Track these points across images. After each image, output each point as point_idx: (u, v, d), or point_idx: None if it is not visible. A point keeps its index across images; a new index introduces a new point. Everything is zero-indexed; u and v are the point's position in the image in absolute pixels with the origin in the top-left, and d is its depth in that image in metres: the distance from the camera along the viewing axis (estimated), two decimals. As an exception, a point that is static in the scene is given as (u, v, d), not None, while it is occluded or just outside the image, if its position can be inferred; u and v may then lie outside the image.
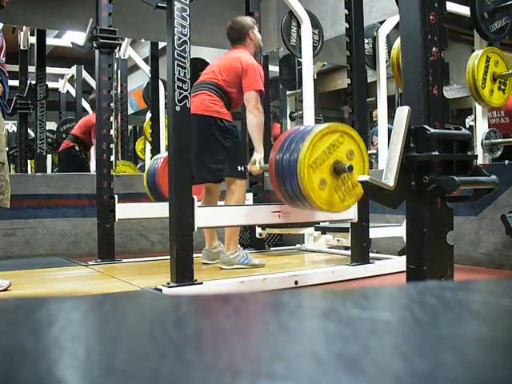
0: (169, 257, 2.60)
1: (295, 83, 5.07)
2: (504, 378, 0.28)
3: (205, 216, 2.72)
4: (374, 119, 4.76)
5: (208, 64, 5.05)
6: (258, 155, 3.16)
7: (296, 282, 2.84)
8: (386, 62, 4.30)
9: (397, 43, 3.72)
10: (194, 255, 2.62)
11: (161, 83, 5.49)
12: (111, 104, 3.80)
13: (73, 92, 6.76)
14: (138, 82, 6.54)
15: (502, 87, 3.49)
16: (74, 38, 4.83)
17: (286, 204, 2.68)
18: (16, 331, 0.36)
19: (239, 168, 3.18)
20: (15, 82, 5.62)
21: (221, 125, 3.12)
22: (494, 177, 1.83)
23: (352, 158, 2.44)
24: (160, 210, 3.44)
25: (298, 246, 4.27)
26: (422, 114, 1.79)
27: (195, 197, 2.63)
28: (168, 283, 2.55)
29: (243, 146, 3.71)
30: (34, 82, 5.39)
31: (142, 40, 5.80)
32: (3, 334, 0.36)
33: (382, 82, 4.26)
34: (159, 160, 3.98)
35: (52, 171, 5.99)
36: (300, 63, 4.17)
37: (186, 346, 0.33)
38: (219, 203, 3.47)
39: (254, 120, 3.11)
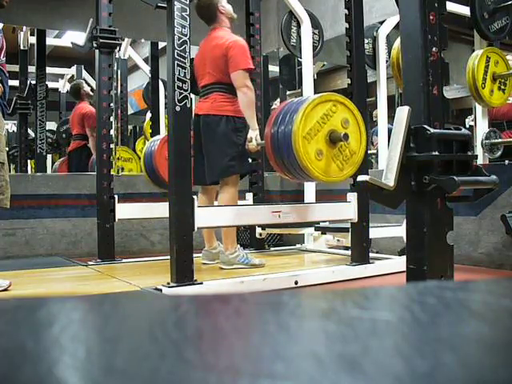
0: (169, 257, 2.60)
1: (295, 83, 5.07)
2: (504, 378, 0.28)
3: (205, 216, 2.71)
4: (374, 119, 4.76)
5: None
6: (254, 132, 3.13)
7: (296, 282, 2.84)
8: (386, 62, 4.31)
9: (397, 43, 3.72)
10: (194, 255, 2.62)
11: (161, 83, 5.49)
12: (111, 104, 3.80)
13: (73, 92, 6.76)
14: (138, 82, 6.54)
15: (502, 87, 3.50)
16: (74, 38, 4.83)
17: (285, 177, 2.66)
18: (16, 331, 0.36)
19: (250, 163, 3.23)
20: (15, 82, 5.62)
21: (233, 123, 3.13)
22: (494, 177, 1.83)
23: (347, 127, 2.42)
24: (160, 209, 3.44)
25: (298, 246, 4.27)
26: (422, 114, 1.79)
27: (195, 197, 2.64)
28: (168, 283, 2.55)
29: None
30: (34, 82, 5.39)
31: (142, 40, 5.80)
32: (3, 334, 0.36)
33: (382, 82, 4.26)
34: (156, 142, 3.94)
35: (52, 171, 5.99)
36: (300, 63, 4.17)
37: (186, 346, 0.33)
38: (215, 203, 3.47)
39: (244, 98, 3.07)
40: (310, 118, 2.32)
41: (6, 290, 2.56)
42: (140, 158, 6.81)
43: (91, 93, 5.41)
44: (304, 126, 2.30)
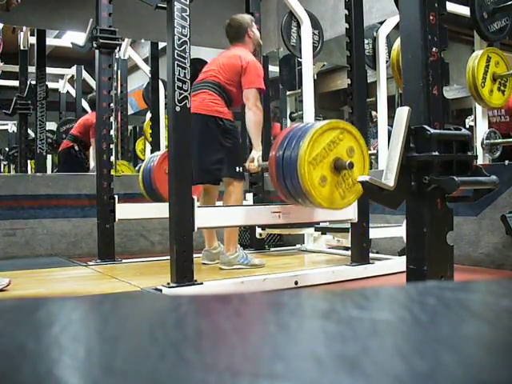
0: (169, 257, 2.60)
1: (295, 83, 5.07)
2: (504, 378, 0.28)
3: (205, 216, 2.71)
4: (374, 119, 4.76)
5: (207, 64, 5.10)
6: (257, 153, 3.15)
7: (296, 283, 2.84)
8: (386, 62, 4.30)
9: (397, 43, 3.72)
10: (194, 255, 2.61)
11: (161, 83, 5.49)
12: (111, 104, 3.80)
13: (73, 92, 6.76)
14: (138, 82, 6.54)
15: (502, 88, 3.50)
16: (73, 38, 4.84)
17: (286, 201, 2.68)
18: (16, 331, 0.36)
19: (237, 169, 3.17)
20: (15, 82, 5.62)
21: (221, 124, 3.11)
22: (493, 177, 1.83)
23: (352, 155, 2.44)
24: (160, 210, 3.44)
25: (298, 246, 4.27)
26: (422, 114, 1.79)
27: (195, 197, 2.64)
28: (168, 283, 2.55)
29: (243, 147, 3.71)
30: (34, 82, 5.39)
31: (142, 40, 5.80)
32: (3, 333, 0.36)
33: (382, 82, 4.26)
34: (154, 159, 3.95)
35: (52, 171, 5.99)
36: (300, 63, 4.17)
37: (186, 345, 0.33)
38: (217, 204, 3.47)
39: (253, 118, 3.10)
40: (317, 144, 2.35)
41: (5, 288, 2.56)
42: (139, 159, 6.85)
43: None
44: (311, 151, 2.33)
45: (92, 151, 5.35)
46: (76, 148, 5.67)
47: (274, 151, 2.51)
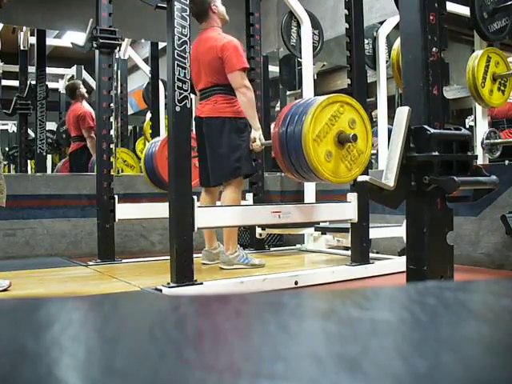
0: (169, 257, 2.60)
1: (295, 83, 5.07)
2: (504, 378, 0.28)
3: (205, 216, 2.71)
4: (374, 119, 4.76)
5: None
6: (257, 132, 3.14)
7: (296, 283, 2.84)
8: (386, 62, 4.30)
9: (397, 43, 3.72)
10: (194, 255, 2.62)
11: (161, 83, 5.49)
12: (111, 104, 3.80)
13: (73, 92, 6.76)
14: (138, 82, 6.54)
15: (502, 88, 3.50)
16: (73, 38, 4.84)
17: (292, 177, 2.68)
18: (16, 331, 0.36)
19: (253, 163, 3.21)
20: (15, 82, 5.62)
21: (234, 125, 3.13)
22: (493, 177, 1.83)
23: (354, 127, 2.44)
24: (160, 209, 3.44)
25: (298, 246, 4.27)
26: (422, 114, 1.79)
27: (195, 197, 2.64)
28: (168, 283, 2.55)
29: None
30: (34, 82, 5.39)
31: (142, 40, 5.80)
32: (3, 334, 0.36)
33: (382, 82, 4.26)
34: (156, 143, 3.94)
35: (52, 171, 5.99)
36: (300, 63, 4.17)
37: (186, 345, 0.33)
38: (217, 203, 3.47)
39: (244, 98, 3.07)
40: (319, 121, 2.35)
41: (6, 289, 2.57)
42: (140, 159, 6.85)
43: (86, 95, 5.39)
44: (314, 128, 2.33)
45: (89, 142, 5.21)
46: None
47: (276, 128, 2.51)
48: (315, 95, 4.00)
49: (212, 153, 3.16)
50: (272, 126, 4.97)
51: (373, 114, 4.90)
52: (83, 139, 5.34)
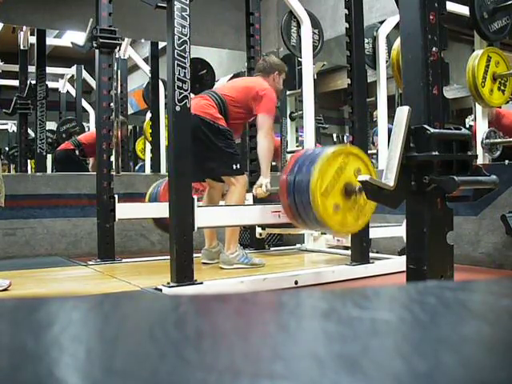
0: (169, 257, 2.60)
1: (295, 83, 5.07)
2: (504, 378, 0.28)
3: (205, 216, 2.71)
4: (374, 119, 4.76)
5: (207, 64, 5.11)
6: (265, 179, 3.21)
7: (296, 282, 2.84)
8: (386, 62, 4.30)
9: (397, 43, 3.72)
10: (194, 255, 2.62)
11: (161, 83, 5.49)
12: (111, 104, 3.80)
13: (73, 92, 6.77)
14: (138, 81, 6.54)
15: (502, 88, 3.50)
16: (73, 38, 4.84)
17: (298, 227, 2.74)
18: (16, 331, 0.36)
19: (234, 167, 3.18)
20: (15, 82, 5.62)
21: (213, 125, 3.12)
22: (493, 177, 1.83)
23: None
24: (160, 210, 3.44)
25: (298, 245, 4.27)
26: (422, 114, 1.79)
27: (195, 197, 2.64)
28: (168, 283, 2.55)
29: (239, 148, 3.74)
30: (34, 82, 5.39)
31: (142, 40, 5.80)
32: (3, 333, 0.36)
33: (382, 82, 4.26)
34: (161, 185, 3.97)
35: (52, 171, 6.00)
36: (300, 63, 4.17)
37: (186, 345, 0.33)
38: (221, 202, 3.48)
39: (267, 145, 3.15)
40: (326, 175, 2.39)
41: (5, 289, 2.57)
42: (140, 159, 6.86)
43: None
44: (321, 183, 2.36)
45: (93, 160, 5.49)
46: (76, 152, 5.73)
47: (285, 175, 2.55)
48: (315, 95, 4.01)
49: (201, 151, 3.18)
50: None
51: (373, 113, 4.91)
52: (79, 147, 5.73)
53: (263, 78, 3.37)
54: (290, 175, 2.50)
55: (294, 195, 2.48)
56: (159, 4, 2.70)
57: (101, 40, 3.58)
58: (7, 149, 7.41)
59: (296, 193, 2.46)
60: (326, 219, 2.38)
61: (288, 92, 5.31)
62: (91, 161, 5.86)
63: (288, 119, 5.31)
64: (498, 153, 3.60)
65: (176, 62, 2.55)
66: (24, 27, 5.34)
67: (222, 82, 3.43)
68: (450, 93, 5.19)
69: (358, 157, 2.49)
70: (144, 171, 6.22)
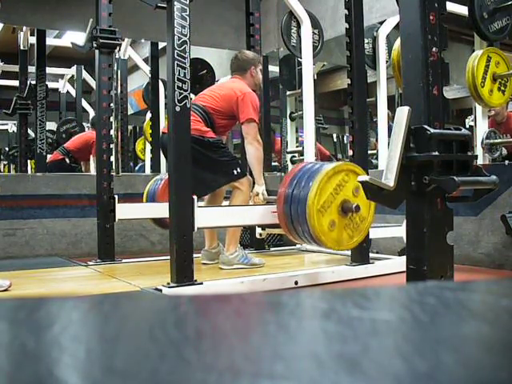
0: (169, 257, 2.60)
1: (295, 83, 5.07)
2: (504, 378, 0.28)
3: (205, 216, 2.71)
4: (374, 119, 4.76)
5: (207, 64, 5.11)
6: (260, 187, 3.20)
7: (296, 282, 2.84)
8: (386, 62, 4.30)
9: (397, 44, 3.72)
10: (194, 255, 2.62)
11: (161, 83, 5.49)
12: (111, 104, 3.80)
13: (73, 92, 6.77)
14: (138, 81, 6.54)
15: (502, 88, 3.49)
16: (74, 38, 4.83)
17: (294, 240, 2.78)
18: (16, 331, 0.36)
19: (235, 172, 3.17)
20: (15, 82, 5.62)
21: (203, 140, 3.10)
22: (493, 177, 1.83)
23: (358, 194, 2.46)
24: (160, 210, 3.44)
25: (298, 246, 4.27)
26: (422, 114, 1.79)
27: (195, 197, 2.64)
28: (168, 283, 2.55)
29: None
30: (34, 82, 5.40)
31: (142, 40, 5.80)
32: (3, 333, 0.36)
33: (382, 82, 4.26)
34: (159, 182, 3.97)
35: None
36: (300, 63, 4.17)
37: (186, 345, 0.33)
38: (224, 203, 3.48)
39: (255, 153, 3.13)
40: (324, 191, 2.38)
41: (6, 290, 2.57)
42: (139, 159, 6.86)
43: None
44: (319, 199, 2.36)
45: (84, 165, 5.50)
46: (67, 160, 5.74)
47: (283, 188, 2.55)
48: (315, 95, 4.01)
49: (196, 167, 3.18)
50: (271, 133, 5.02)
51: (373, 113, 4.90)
52: (68, 155, 5.77)
53: (241, 76, 3.32)
54: (288, 189, 2.51)
55: (290, 210, 2.48)
56: (159, 4, 2.70)
57: (101, 40, 3.58)
58: (7, 149, 7.41)
59: (293, 211, 2.47)
60: (320, 236, 2.40)
61: (288, 92, 5.32)
62: (83, 165, 5.88)
63: (288, 119, 5.32)
64: (498, 153, 3.60)
65: (176, 62, 2.55)
66: (24, 27, 5.34)
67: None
68: (450, 93, 5.19)
69: (359, 175, 2.49)
70: (144, 171, 6.21)
